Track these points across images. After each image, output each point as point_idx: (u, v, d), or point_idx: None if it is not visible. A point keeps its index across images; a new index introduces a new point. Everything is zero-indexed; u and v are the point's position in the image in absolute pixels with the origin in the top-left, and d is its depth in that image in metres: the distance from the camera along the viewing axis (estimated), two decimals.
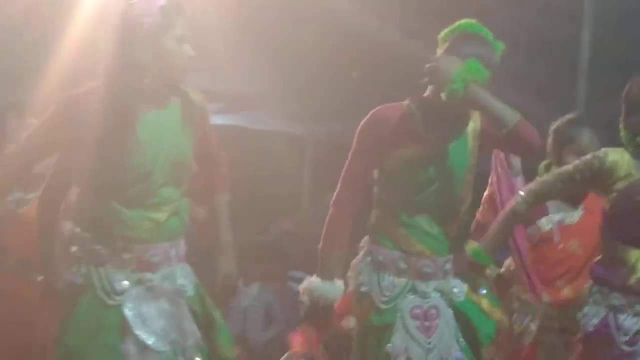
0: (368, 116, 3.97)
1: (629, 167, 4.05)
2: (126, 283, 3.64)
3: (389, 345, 3.82)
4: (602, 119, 5.56)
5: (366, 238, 4.09)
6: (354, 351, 4.14)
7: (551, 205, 4.95)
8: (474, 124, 3.97)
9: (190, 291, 3.79)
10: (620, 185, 4.04)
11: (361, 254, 4.11)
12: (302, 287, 4.09)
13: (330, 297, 3.98)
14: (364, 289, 3.97)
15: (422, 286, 3.85)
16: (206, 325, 3.85)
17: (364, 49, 8.67)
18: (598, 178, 4.13)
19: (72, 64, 7.48)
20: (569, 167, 4.28)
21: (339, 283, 4.02)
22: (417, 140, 3.85)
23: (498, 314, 4.10)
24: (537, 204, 4.44)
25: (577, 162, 4.24)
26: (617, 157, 4.09)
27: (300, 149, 10.73)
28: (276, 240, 9.95)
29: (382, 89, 8.87)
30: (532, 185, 4.40)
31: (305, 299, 4.04)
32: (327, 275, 3.96)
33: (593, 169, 4.12)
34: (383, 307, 3.86)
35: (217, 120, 10.02)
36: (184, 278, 3.78)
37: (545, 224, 4.94)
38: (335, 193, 4.03)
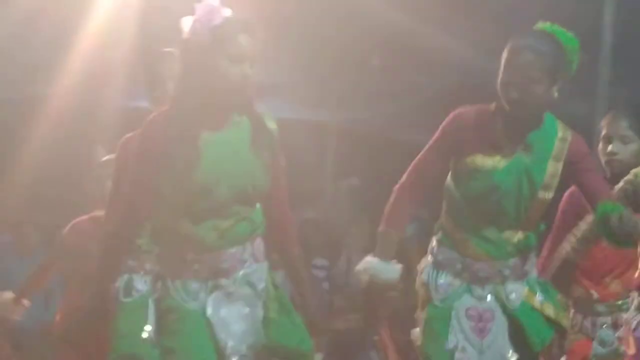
0: (454, 114, 4.06)
1: None
2: (197, 288, 3.80)
3: (446, 341, 3.92)
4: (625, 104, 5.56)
5: (434, 236, 4.20)
6: (416, 337, 4.19)
7: None
8: (562, 144, 4.01)
9: (267, 291, 3.92)
10: None
11: (429, 252, 4.23)
12: (359, 266, 4.17)
13: (385, 277, 4.06)
14: (423, 283, 4.12)
15: (477, 289, 3.96)
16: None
17: (383, 36, 8.70)
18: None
19: (89, 59, 8.20)
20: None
21: (395, 263, 4.09)
22: (494, 150, 3.95)
23: (565, 320, 4.19)
24: None
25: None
26: None
27: (322, 136, 10.64)
28: (299, 229, 10.20)
29: (402, 75, 9.27)
30: None
31: (362, 277, 4.11)
32: (382, 255, 4.01)
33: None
34: (439, 304, 3.97)
35: None
36: (260, 279, 3.89)
37: None
38: (402, 178, 4.12)
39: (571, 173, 3.99)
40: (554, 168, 3.94)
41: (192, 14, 3.52)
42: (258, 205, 3.86)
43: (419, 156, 4.06)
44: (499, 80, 3.81)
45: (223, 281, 3.73)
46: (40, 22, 8.21)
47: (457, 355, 3.90)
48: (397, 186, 4.11)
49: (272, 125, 3.86)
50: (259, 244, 3.86)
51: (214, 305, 3.71)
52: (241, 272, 3.78)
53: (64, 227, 6.62)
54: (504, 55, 3.78)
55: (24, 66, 9.08)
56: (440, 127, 4.00)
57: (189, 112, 3.65)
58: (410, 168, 4.05)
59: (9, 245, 9.74)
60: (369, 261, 4.07)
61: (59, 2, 7.93)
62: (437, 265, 4.04)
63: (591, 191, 3.99)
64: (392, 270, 4.05)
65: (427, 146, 4.05)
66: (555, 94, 3.91)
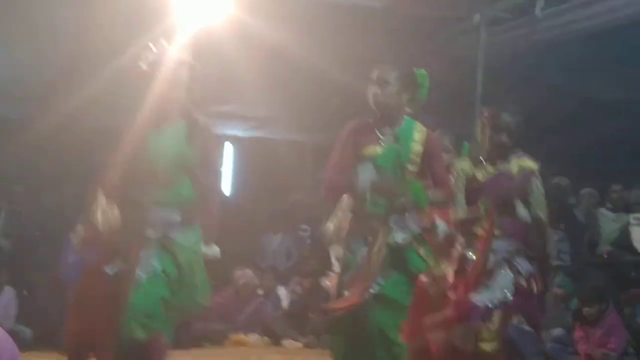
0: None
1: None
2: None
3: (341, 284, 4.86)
4: None
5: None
6: None
7: None
8: (420, 134, 4.98)
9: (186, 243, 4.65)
10: None
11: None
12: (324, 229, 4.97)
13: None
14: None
15: (371, 240, 4.82)
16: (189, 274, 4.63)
17: (339, 85, 9.36)
18: None
19: None
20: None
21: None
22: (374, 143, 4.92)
23: (431, 260, 4.84)
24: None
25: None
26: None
27: (304, 149, 12.36)
28: (291, 207, 12.47)
29: (353, 110, 10.24)
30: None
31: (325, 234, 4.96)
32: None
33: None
34: (349, 255, 4.83)
35: (252, 133, 13.11)
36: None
37: None
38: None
39: (426, 159, 4.94)
40: (416, 149, 4.83)
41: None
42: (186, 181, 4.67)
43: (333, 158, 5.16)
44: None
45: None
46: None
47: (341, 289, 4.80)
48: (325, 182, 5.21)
49: (203, 121, 4.77)
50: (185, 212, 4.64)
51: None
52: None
53: None
54: None
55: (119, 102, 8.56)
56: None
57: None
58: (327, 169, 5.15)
59: None
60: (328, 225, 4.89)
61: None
62: (349, 230, 4.88)
63: (434, 180, 5.02)
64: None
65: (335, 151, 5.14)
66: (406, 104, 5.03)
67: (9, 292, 9.30)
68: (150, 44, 4.66)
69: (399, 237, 4.86)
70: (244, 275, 10.48)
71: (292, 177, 12.00)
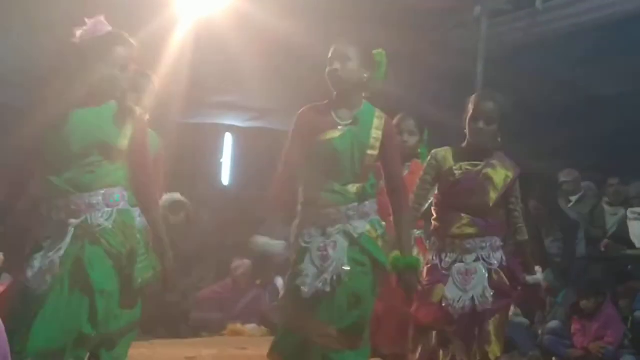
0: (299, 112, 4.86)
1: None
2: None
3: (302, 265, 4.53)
4: None
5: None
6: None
7: None
8: (379, 120, 4.68)
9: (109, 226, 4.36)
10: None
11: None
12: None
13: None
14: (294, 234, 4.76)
15: (328, 230, 4.53)
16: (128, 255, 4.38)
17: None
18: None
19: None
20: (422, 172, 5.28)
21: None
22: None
23: (387, 251, 4.65)
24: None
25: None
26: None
27: None
28: None
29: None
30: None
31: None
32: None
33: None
34: (303, 245, 4.59)
35: (252, 124, 13.03)
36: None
37: None
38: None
39: (384, 147, 4.65)
40: (376, 134, 4.60)
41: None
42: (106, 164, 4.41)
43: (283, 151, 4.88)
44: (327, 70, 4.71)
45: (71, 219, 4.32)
46: None
47: (304, 279, 4.46)
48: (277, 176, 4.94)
49: (139, 111, 4.56)
50: (110, 194, 4.40)
51: None
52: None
53: None
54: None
55: None
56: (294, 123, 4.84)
57: (61, 95, 4.37)
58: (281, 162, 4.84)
59: None
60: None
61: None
62: (303, 220, 4.68)
63: (388, 171, 4.76)
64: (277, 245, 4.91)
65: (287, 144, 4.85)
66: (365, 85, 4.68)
67: (5, 278, 8.51)
68: (86, 19, 4.34)
69: (360, 226, 4.57)
70: (242, 265, 10.45)
71: None
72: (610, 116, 10.21)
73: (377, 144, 4.58)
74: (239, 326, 10.05)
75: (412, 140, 6.22)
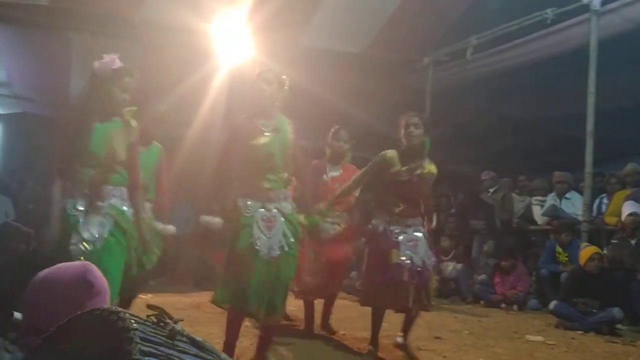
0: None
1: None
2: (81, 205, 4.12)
3: (250, 235, 4.26)
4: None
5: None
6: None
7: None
8: (290, 127, 4.55)
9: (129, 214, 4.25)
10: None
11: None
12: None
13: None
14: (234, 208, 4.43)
15: (269, 206, 4.35)
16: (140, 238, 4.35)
17: (328, 106, 9.19)
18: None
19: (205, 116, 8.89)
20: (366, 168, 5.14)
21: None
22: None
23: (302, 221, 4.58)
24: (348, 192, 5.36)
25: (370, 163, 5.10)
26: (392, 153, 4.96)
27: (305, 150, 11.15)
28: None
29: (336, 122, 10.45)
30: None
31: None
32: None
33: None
34: (246, 215, 4.34)
35: None
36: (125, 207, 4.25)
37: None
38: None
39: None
40: (291, 137, 4.48)
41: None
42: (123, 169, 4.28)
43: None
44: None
45: (99, 202, 4.14)
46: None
47: (256, 241, 4.25)
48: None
49: (133, 123, 4.32)
50: (125, 190, 4.27)
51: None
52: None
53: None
54: None
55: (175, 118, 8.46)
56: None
57: (86, 112, 4.17)
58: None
59: None
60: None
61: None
62: (245, 198, 4.38)
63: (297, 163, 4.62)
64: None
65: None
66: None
67: None
68: (104, 55, 4.19)
69: (287, 206, 4.44)
70: None
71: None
72: (518, 133, 10.21)
73: (293, 144, 4.53)
74: None
75: (345, 146, 6.03)
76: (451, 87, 9.91)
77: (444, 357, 5.17)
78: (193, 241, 9.58)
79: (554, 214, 8.87)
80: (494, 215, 9.82)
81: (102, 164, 4.14)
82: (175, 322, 1.30)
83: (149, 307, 1.37)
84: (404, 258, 4.82)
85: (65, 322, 1.38)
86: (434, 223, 5.77)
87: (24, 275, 3.00)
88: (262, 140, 4.36)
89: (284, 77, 4.55)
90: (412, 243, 4.89)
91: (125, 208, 4.22)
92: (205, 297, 7.75)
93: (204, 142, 9.17)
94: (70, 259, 3.77)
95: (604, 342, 6.14)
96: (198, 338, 1.29)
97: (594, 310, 6.84)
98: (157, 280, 9.63)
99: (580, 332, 6.62)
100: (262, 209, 4.29)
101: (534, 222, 9.46)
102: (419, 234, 4.97)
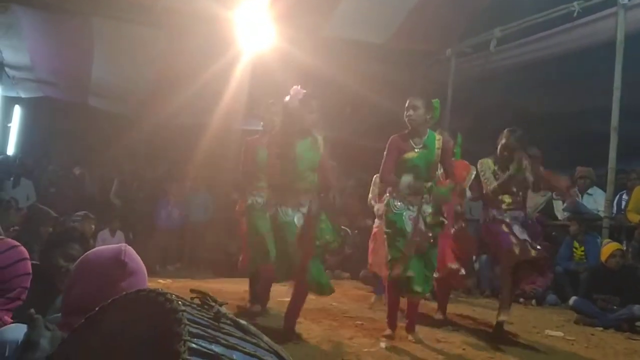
0: (391, 138, 5.14)
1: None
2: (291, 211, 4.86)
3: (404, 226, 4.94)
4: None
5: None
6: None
7: None
8: (439, 142, 5.13)
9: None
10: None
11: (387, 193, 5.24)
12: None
13: None
14: (385, 204, 5.18)
15: (411, 207, 4.99)
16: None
17: (351, 96, 9.67)
18: None
19: (227, 104, 9.25)
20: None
21: None
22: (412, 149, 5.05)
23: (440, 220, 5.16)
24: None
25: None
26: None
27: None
28: None
29: (360, 116, 10.54)
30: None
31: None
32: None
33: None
34: (396, 212, 5.05)
35: None
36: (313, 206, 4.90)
37: None
38: (381, 170, 5.15)
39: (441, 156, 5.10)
40: (438, 151, 5.07)
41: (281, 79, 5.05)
42: (316, 178, 5.04)
43: (384, 161, 5.12)
44: (405, 115, 5.01)
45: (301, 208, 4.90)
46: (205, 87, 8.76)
47: (408, 233, 4.92)
48: (380, 177, 5.27)
49: (320, 138, 5.08)
50: (315, 197, 5.02)
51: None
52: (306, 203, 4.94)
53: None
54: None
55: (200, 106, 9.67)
56: (388, 145, 5.10)
57: (290, 133, 4.90)
58: (382, 166, 5.12)
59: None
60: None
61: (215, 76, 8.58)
62: (393, 197, 5.09)
63: (446, 168, 5.29)
64: None
65: (385, 156, 5.11)
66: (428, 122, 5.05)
67: (119, 235, 9.37)
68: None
69: (428, 209, 5.08)
70: None
71: None
72: (541, 127, 9.79)
73: (439, 157, 5.16)
74: None
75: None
76: (474, 79, 9.85)
77: (463, 349, 5.18)
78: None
79: (576, 209, 8.76)
80: None
81: (301, 175, 4.94)
82: (220, 305, 1.32)
83: (192, 290, 1.38)
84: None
85: (109, 302, 1.40)
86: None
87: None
88: (411, 155, 5.06)
89: (434, 100, 5.15)
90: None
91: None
92: (223, 283, 8.24)
93: (225, 130, 9.59)
94: None
95: (624, 339, 6.11)
96: (242, 321, 1.31)
97: (614, 307, 6.79)
98: (176, 267, 10.03)
99: (600, 328, 6.59)
100: (406, 211, 5.03)
101: (555, 217, 9.38)
102: None
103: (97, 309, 1.43)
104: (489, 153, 5.88)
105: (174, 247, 10.34)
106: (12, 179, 9.92)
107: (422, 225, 5.01)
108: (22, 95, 11.41)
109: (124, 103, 10.82)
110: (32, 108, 12.03)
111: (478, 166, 5.82)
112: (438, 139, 5.14)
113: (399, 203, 5.05)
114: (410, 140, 5.10)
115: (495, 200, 5.69)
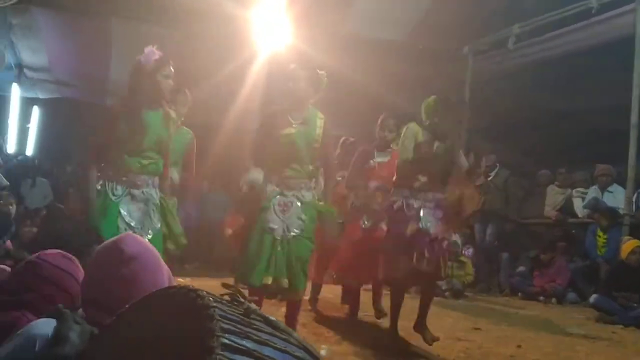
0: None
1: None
2: (119, 191, 4.34)
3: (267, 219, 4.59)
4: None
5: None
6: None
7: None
8: (320, 121, 4.78)
9: (156, 201, 4.46)
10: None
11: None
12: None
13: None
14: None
15: (288, 193, 4.67)
16: (165, 221, 4.56)
17: (365, 94, 9.54)
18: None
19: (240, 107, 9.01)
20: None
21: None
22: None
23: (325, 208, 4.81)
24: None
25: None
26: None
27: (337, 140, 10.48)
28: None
29: (372, 112, 10.01)
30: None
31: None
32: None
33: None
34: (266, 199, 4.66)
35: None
36: (155, 195, 4.47)
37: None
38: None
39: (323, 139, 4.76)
40: (319, 131, 4.72)
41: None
42: (162, 159, 4.54)
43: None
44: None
45: (134, 190, 4.38)
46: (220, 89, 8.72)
47: (270, 225, 4.58)
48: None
49: (172, 113, 4.61)
50: (157, 180, 4.51)
51: (125, 203, 4.33)
52: (146, 189, 4.43)
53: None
54: None
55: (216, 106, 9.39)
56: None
57: (137, 101, 4.34)
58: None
59: None
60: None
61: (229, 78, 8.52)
62: (269, 184, 4.68)
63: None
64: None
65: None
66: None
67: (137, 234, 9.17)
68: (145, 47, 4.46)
69: (308, 195, 4.72)
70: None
71: None
72: (560, 124, 9.96)
73: (319, 139, 4.77)
74: None
75: (390, 135, 5.96)
76: (492, 76, 9.79)
77: (480, 348, 5.16)
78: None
79: (596, 207, 8.73)
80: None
81: (144, 152, 4.38)
82: (250, 302, 1.34)
83: (224, 285, 1.40)
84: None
85: (140, 299, 1.43)
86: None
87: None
88: (289, 131, 4.63)
89: (320, 72, 4.73)
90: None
91: (156, 195, 4.48)
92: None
93: (240, 129, 9.25)
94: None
95: None
96: (271, 317, 1.33)
97: (635, 305, 6.77)
98: (193, 265, 10.07)
99: (621, 326, 6.56)
100: (279, 196, 4.62)
101: (575, 215, 9.35)
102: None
103: (127, 306, 1.45)
104: (506, 151, 5.67)
105: (192, 246, 10.27)
106: (29, 179, 9.96)
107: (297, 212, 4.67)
108: (41, 96, 11.45)
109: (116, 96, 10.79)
110: (51, 109, 12.06)
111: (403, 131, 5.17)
112: (320, 117, 4.83)
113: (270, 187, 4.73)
114: (288, 116, 4.76)
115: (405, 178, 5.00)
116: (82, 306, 1.95)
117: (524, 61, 9.11)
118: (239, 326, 1.24)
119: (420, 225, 4.77)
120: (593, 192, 9.02)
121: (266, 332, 1.29)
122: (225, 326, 1.21)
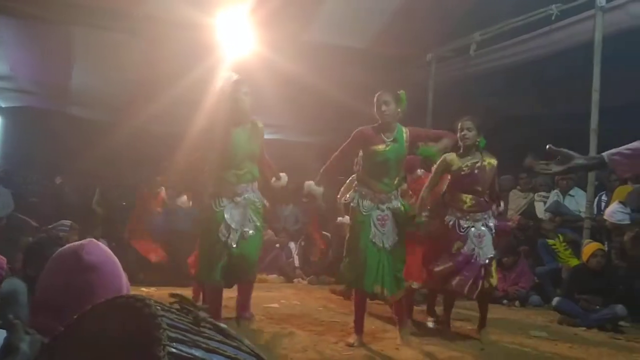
0: (357, 130, 5.15)
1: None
2: (224, 202, 4.95)
3: (370, 231, 4.99)
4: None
5: (356, 182, 5.26)
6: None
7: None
8: (406, 135, 5.16)
9: (258, 203, 5.07)
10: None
11: (354, 189, 5.26)
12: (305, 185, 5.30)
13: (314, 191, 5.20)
14: (353, 204, 5.15)
15: (381, 207, 5.01)
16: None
17: (332, 101, 9.37)
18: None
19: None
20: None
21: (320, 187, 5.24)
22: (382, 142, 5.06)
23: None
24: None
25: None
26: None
27: (310, 148, 11.22)
28: (298, 186, 11.47)
29: (341, 119, 10.01)
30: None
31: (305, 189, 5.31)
32: (316, 182, 5.31)
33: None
34: (364, 213, 5.04)
35: (272, 136, 11.21)
36: (255, 198, 5.06)
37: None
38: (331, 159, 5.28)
39: (416, 138, 5.27)
40: (407, 145, 5.14)
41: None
42: (255, 167, 5.13)
43: (339, 150, 5.23)
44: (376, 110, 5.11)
45: (237, 198, 4.97)
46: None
47: (372, 238, 4.97)
48: (327, 164, 5.36)
49: (259, 124, 5.18)
50: (255, 185, 5.09)
51: (229, 209, 4.96)
52: (246, 194, 5.03)
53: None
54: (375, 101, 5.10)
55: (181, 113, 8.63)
56: (353, 136, 5.20)
57: (225, 119, 4.92)
58: (336, 154, 5.25)
59: None
60: (309, 183, 5.29)
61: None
62: (361, 196, 5.09)
63: (430, 134, 5.46)
64: (318, 189, 5.22)
65: (342, 146, 5.21)
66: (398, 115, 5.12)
67: (102, 242, 9.01)
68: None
69: (395, 203, 5.17)
70: (267, 234, 10.12)
71: (300, 166, 11.32)
72: (521, 129, 10.08)
73: (407, 151, 5.32)
74: (264, 276, 9.81)
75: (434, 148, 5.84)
76: (454, 83, 9.86)
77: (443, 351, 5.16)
78: None
79: (557, 210, 8.81)
80: None
81: (239, 164, 5.05)
82: (199, 310, 1.31)
83: (172, 295, 1.37)
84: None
85: (88, 309, 1.38)
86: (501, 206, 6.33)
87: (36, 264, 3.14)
88: (382, 148, 5.18)
89: (400, 92, 5.17)
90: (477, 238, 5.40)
91: (256, 199, 5.22)
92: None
93: (205, 138, 9.36)
94: (217, 247, 5.02)
95: (608, 339, 6.16)
96: (222, 325, 1.30)
97: (597, 307, 6.83)
98: (159, 275, 9.85)
99: (583, 328, 6.63)
100: (377, 210, 5.10)
101: (537, 219, 9.43)
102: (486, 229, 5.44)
103: (75, 316, 1.40)
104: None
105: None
106: None
107: (392, 224, 5.12)
108: (2, 105, 11.31)
109: (105, 111, 10.76)
110: (13, 118, 11.83)
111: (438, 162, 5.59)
112: (405, 132, 5.23)
113: (367, 202, 5.12)
114: (382, 134, 5.14)
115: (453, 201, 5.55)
116: (32, 310, 1.89)
117: (485, 67, 9.17)
118: (187, 335, 1.20)
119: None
120: (554, 195, 9.11)
121: (216, 340, 1.25)
122: (173, 335, 1.17)
